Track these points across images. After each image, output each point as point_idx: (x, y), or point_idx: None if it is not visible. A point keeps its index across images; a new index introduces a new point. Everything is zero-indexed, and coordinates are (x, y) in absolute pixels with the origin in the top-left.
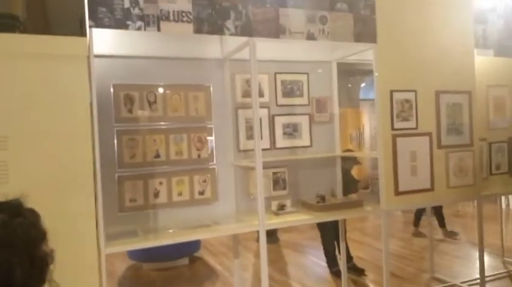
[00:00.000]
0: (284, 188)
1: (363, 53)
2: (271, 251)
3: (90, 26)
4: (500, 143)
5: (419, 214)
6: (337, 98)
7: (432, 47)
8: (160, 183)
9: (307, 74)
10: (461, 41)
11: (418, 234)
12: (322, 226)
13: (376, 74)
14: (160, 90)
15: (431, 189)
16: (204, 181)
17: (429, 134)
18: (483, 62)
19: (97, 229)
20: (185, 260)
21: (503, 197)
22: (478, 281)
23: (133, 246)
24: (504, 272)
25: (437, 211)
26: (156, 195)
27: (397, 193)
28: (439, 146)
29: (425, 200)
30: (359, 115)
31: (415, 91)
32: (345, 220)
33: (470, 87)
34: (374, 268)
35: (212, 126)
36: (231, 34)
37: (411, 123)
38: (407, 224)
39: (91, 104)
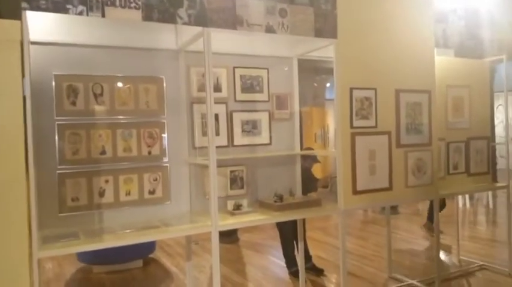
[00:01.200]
0: (242, 187)
1: (325, 50)
2: (230, 251)
3: (24, 9)
4: (458, 143)
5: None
6: (298, 95)
7: (393, 46)
8: (106, 181)
9: (267, 69)
10: (422, 40)
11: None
12: (281, 226)
13: (336, 70)
14: (108, 81)
15: (390, 188)
16: (155, 180)
17: (388, 133)
18: (443, 61)
19: (29, 231)
20: (139, 263)
21: (460, 197)
22: (435, 280)
23: (70, 250)
24: (459, 271)
25: (430, 206)
26: (102, 194)
27: (355, 192)
28: (398, 145)
29: (384, 199)
30: (324, 114)
31: (375, 89)
32: (304, 220)
33: (430, 87)
34: (334, 267)
35: (165, 121)
36: (184, 23)
37: (370, 122)
38: (368, 223)
39: (25, 96)
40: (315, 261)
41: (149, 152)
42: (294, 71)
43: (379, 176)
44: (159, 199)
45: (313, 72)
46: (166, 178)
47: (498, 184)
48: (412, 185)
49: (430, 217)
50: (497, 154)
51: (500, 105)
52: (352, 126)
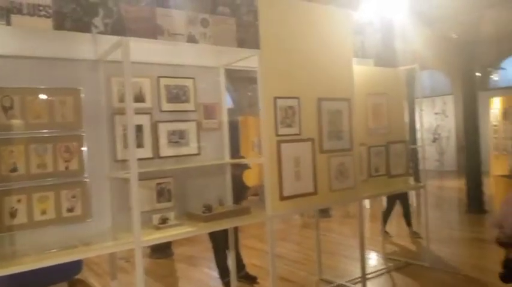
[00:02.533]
0: (169, 200)
1: (251, 61)
2: (163, 266)
3: None
4: (379, 147)
5: (386, 214)
6: (226, 104)
7: (314, 56)
8: (19, 201)
9: (194, 79)
10: (341, 51)
11: (385, 234)
12: (213, 237)
13: (260, 80)
14: (19, 93)
15: (315, 193)
16: (74, 197)
17: (312, 139)
18: (363, 71)
19: None
20: (63, 285)
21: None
22: (361, 279)
23: None
24: (385, 269)
25: (405, 212)
26: (13, 215)
27: (282, 197)
28: (321, 151)
29: (310, 204)
30: (260, 123)
31: (298, 98)
32: (236, 229)
33: (350, 95)
34: (268, 274)
35: (83, 134)
36: (100, 32)
37: (294, 130)
38: (303, 227)
39: None
40: (249, 269)
41: (66, 168)
42: (221, 80)
43: (304, 182)
44: (78, 216)
45: (247, 81)
46: (86, 194)
47: (416, 184)
48: (336, 189)
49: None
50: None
51: (422, 110)
52: (277, 134)
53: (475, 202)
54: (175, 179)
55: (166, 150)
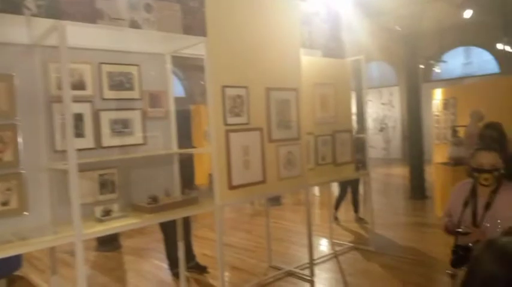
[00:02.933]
0: (113, 191)
1: (198, 48)
2: (110, 259)
3: None
4: (326, 136)
5: (339, 200)
6: (173, 93)
7: (262, 46)
8: None
9: (138, 66)
10: (289, 41)
11: (335, 219)
12: (164, 228)
13: (208, 68)
14: None
15: (264, 181)
16: (8, 189)
17: (260, 129)
18: (310, 61)
19: None
20: (1, 283)
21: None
22: (309, 264)
23: None
24: (332, 254)
25: (354, 198)
26: None
27: (231, 187)
28: (270, 141)
29: (258, 192)
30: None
31: (246, 87)
32: (188, 219)
33: (298, 85)
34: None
35: (18, 123)
36: (33, 15)
37: (243, 119)
38: (254, 216)
39: None
40: (200, 259)
41: (0, 159)
42: (167, 68)
43: (253, 171)
44: (14, 210)
45: (199, 70)
46: (23, 186)
47: (360, 172)
48: (284, 177)
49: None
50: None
51: (370, 100)
52: (226, 124)
53: (417, 188)
54: (119, 170)
55: (109, 140)
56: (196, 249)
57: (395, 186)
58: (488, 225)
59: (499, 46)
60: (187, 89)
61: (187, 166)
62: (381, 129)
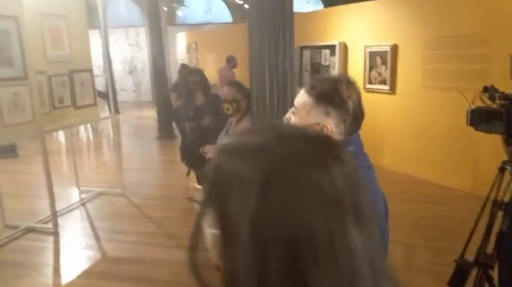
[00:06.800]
0: None
1: None
2: None
3: None
4: (62, 76)
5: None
6: None
7: None
8: None
9: None
10: None
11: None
12: None
13: None
14: None
15: None
16: None
17: None
18: None
19: None
20: None
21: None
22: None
23: None
24: (78, 202)
25: None
26: None
27: None
28: None
29: None
30: None
31: None
32: None
33: (17, 13)
34: None
35: None
36: None
37: None
38: None
39: None
40: None
41: None
42: None
43: None
44: None
45: None
46: None
47: (102, 115)
48: (11, 124)
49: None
50: (118, 87)
51: (116, 40)
52: None
53: (164, 128)
54: None
55: None
56: None
57: (146, 128)
58: None
59: None
60: None
61: None
62: (130, 72)
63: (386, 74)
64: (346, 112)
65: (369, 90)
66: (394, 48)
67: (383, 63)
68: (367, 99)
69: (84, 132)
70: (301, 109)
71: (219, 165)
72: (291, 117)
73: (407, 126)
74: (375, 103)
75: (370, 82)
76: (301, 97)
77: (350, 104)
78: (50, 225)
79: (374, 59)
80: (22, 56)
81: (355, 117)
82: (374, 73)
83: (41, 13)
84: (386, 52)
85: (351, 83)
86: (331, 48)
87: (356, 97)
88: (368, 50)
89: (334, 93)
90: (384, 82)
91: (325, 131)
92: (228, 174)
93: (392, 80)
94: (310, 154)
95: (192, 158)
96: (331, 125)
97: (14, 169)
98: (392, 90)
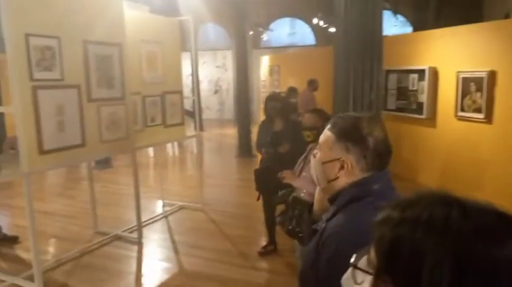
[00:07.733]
0: None
1: None
2: None
3: None
4: (154, 97)
5: None
6: None
7: None
8: None
9: None
10: None
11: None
12: None
13: (5, 10)
14: None
15: (83, 145)
16: None
17: (78, 86)
18: (136, 16)
19: None
20: None
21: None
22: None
23: None
24: (161, 214)
25: None
26: None
27: (42, 151)
28: (90, 100)
29: (77, 156)
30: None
31: (58, 38)
32: None
33: (120, 40)
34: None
35: None
36: None
37: (55, 74)
38: (79, 180)
39: None
40: (12, 230)
41: None
42: None
43: (69, 133)
44: None
45: None
46: None
47: (188, 132)
48: (108, 140)
49: None
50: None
51: (205, 62)
52: (32, 79)
53: (244, 147)
54: None
55: None
56: (9, 219)
57: (227, 145)
58: (304, 174)
59: (315, 21)
60: None
61: None
62: (216, 92)
63: (482, 102)
64: (366, 148)
65: (461, 118)
66: (491, 74)
67: (478, 89)
68: (458, 127)
69: (171, 147)
70: (324, 145)
71: (399, 238)
72: (317, 153)
73: (505, 156)
74: (468, 132)
75: (463, 109)
76: (325, 133)
77: (370, 141)
78: (135, 235)
79: (467, 85)
80: (121, 78)
81: (377, 153)
82: (467, 100)
83: (140, 40)
84: (482, 78)
85: (373, 120)
86: (420, 72)
87: (379, 133)
88: (461, 75)
89: (354, 130)
90: (478, 110)
91: (345, 167)
92: (413, 252)
93: (488, 109)
94: (502, 230)
95: (266, 184)
96: (352, 161)
97: (107, 179)
98: (489, 119)
